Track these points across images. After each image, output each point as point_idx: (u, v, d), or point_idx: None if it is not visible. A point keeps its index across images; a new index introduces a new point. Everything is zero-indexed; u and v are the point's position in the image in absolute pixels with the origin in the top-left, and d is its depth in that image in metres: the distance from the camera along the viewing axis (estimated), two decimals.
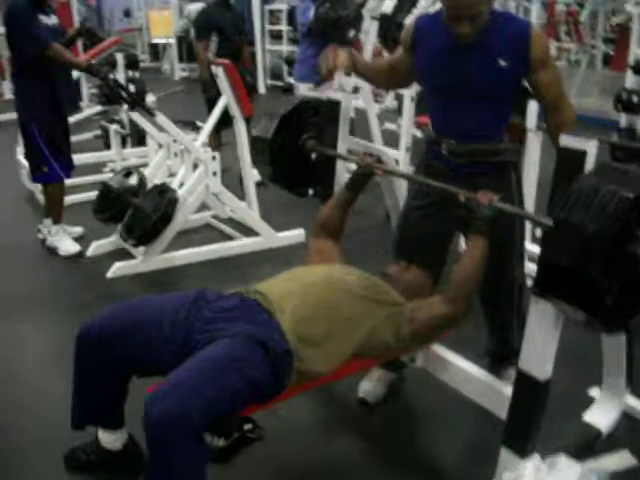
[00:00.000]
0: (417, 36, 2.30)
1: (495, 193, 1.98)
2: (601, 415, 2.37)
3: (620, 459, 2.25)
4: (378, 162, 2.39)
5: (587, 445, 2.28)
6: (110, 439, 2.08)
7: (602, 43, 12.04)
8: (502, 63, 2.12)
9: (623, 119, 6.01)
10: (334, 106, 2.62)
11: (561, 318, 1.83)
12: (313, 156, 2.62)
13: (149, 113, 3.90)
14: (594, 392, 2.56)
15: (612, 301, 1.57)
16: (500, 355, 2.55)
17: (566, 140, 1.78)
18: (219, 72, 4.12)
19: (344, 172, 2.70)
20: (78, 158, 5.48)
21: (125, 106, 4.36)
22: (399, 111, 6.82)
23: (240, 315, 1.88)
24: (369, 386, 2.60)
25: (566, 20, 12.15)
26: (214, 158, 3.94)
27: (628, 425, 2.43)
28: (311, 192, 2.75)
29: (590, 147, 1.73)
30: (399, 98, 6.75)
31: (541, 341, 1.88)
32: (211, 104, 5.28)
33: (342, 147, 2.62)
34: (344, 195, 2.41)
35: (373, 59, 2.51)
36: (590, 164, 1.74)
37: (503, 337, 2.52)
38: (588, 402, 2.48)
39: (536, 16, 7.23)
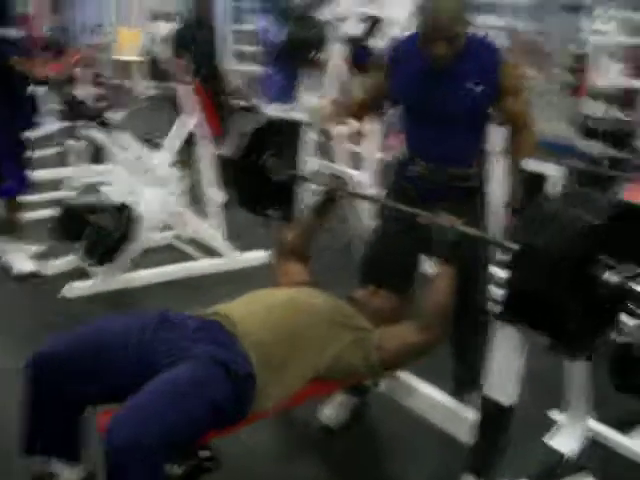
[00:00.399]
0: (394, 59, 2.32)
1: (458, 217, 1.96)
2: (564, 439, 2.36)
3: None
4: (344, 185, 2.37)
5: (550, 470, 2.27)
6: (67, 473, 1.95)
7: (566, 72, 12.28)
8: (474, 89, 2.14)
9: (583, 144, 6.14)
10: (297, 126, 2.59)
11: (526, 343, 1.82)
12: (274, 177, 2.58)
13: (112, 130, 3.83)
14: (554, 415, 2.56)
15: (575, 326, 1.56)
16: (464, 380, 2.53)
17: (530, 165, 1.78)
18: (185, 91, 4.07)
19: (306, 193, 2.67)
20: (38, 174, 5.40)
21: (87, 123, 4.29)
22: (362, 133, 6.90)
23: (203, 337, 1.83)
24: (331, 411, 2.55)
25: (531, 49, 12.37)
26: (181, 178, 3.88)
27: (590, 448, 2.42)
28: (271, 213, 2.70)
29: (550, 171, 1.73)
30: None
31: (506, 366, 1.86)
32: None
33: (303, 168, 2.59)
34: (311, 219, 2.37)
35: (349, 87, 2.54)
36: (552, 187, 1.74)
37: (468, 362, 2.50)
38: (548, 424, 2.47)
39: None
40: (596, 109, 5.98)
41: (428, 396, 2.19)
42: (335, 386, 2.17)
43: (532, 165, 1.78)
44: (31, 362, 1.83)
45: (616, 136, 5.31)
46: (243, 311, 1.94)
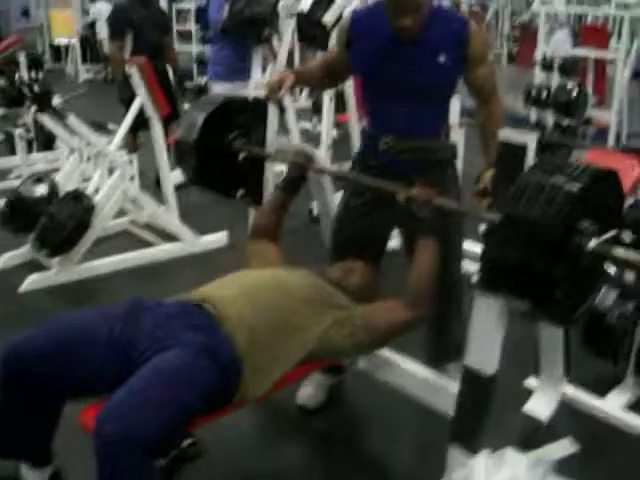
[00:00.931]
0: (354, 31, 2.26)
1: (432, 188, 1.95)
2: (541, 405, 2.39)
3: (563, 447, 2.27)
4: (310, 161, 2.32)
5: (530, 437, 2.30)
6: (36, 475, 1.89)
7: (507, 41, 12.48)
8: (442, 60, 2.13)
9: (533, 114, 6.23)
10: (260, 104, 2.53)
11: (506, 312, 1.83)
12: (241, 156, 2.53)
13: (59, 115, 3.69)
14: (530, 382, 2.60)
15: (561, 294, 1.56)
16: (441, 351, 2.54)
17: (506, 134, 1.76)
18: (133, 71, 3.95)
19: (273, 172, 2.62)
20: None
21: (30, 108, 4.11)
22: (314, 110, 6.85)
23: (184, 323, 1.77)
24: (309, 392, 2.53)
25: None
26: (131, 162, 3.78)
27: (567, 413, 2.47)
28: (239, 194, 2.65)
29: (530, 141, 1.72)
30: (314, 97, 6.77)
31: (487, 336, 1.87)
32: (127, 105, 5.09)
33: (271, 146, 2.53)
34: (278, 198, 2.33)
35: (305, 63, 2.48)
36: (530, 158, 1.73)
37: (443, 334, 2.51)
38: (525, 393, 2.50)
39: None
40: (545, 79, 6.06)
41: (407, 370, 2.20)
42: (318, 365, 2.14)
43: (508, 135, 1.76)
44: (3, 357, 1.74)
45: (566, 105, 5.39)
46: (225, 294, 1.89)
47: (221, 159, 2.50)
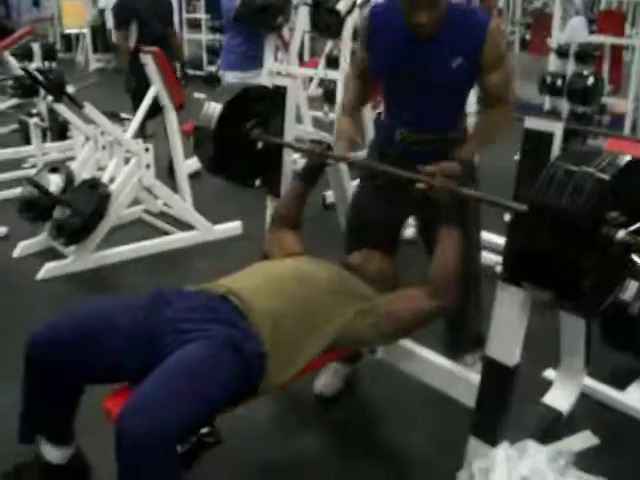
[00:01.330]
0: (372, 27, 2.25)
1: (453, 177, 1.93)
2: (561, 397, 2.38)
3: (583, 439, 2.27)
4: (328, 150, 2.31)
5: (549, 428, 2.29)
6: (56, 454, 1.91)
7: (519, 28, 12.37)
8: (456, 62, 2.10)
9: (547, 102, 6.18)
10: (278, 93, 2.51)
11: (529, 303, 1.82)
12: (259, 145, 2.52)
13: (76, 104, 3.68)
14: (549, 374, 2.59)
15: (588, 284, 1.55)
16: (457, 342, 2.52)
17: (532, 123, 1.74)
18: (148, 60, 3.94)
19: (291, 161, 2.60)
20: None
21: (46, 98, 4.11)
22: (325, 98, 6.82)
23: (209, 315, 1.77)
24: (326, 381, 2.53)
25: (480, 7, 12.42)
26: (147, 150, 3.77)
27: (586, 405, 2.45)
28: (258, 183, 2.64)
29: (557, 129, 1.70)
30: (324, 85, 6.74)
31: (509, 327, 1.86)
32: (132, 95, 5.09)
33: (289, 135, 2.52)
34: (298, 187, 2.32)
35: (349, 92, 2.38)
36: (557, 146, 1.71)
37: (461, 324, 2.49)
38: (544, 384, 2.49)
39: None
40: (560, 66, 6.00)
41: (427, 359, 2.18)
42: (338, 354, 2.13)
43: (534, 123, 1.74)
44: (28, 344, 1.76)
45: (582, 93, 5.33)
46: (249, 285, 1.88)
47: (239, 148, 2.49)
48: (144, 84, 4.45)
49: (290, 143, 2.49)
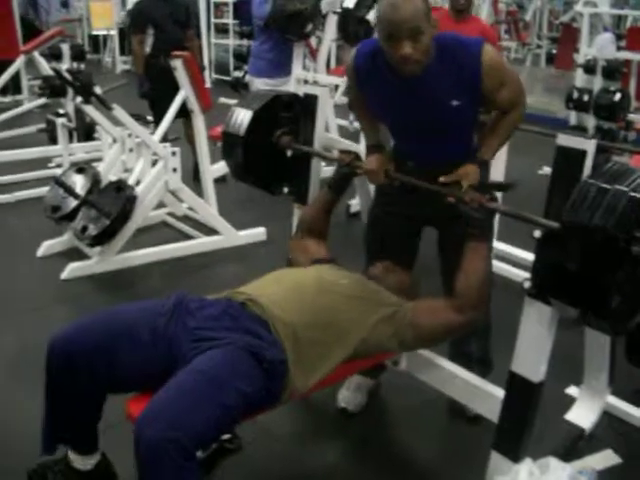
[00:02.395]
0: (360, 78, 2.14)
1: (482, 194, 1.93)
2: (584, 415, 2.36)
3: (605, 458, 2.25)
4: (357, 159, 2.32)
5: (572, 446, 2.27)
6: (82, 461, 1.91)
7: (546, 42, 12.33)
8: (454, 103, 2.00)
9: (573, 117, 6.15)
10: (309, 101, 2.53)
11: (556, 319, 1.81)
12: (288, 153, 2.53)
13: (105, 106, 3.72)
14: (571, 391, 2.57)
15: (617, 302, 1.55)
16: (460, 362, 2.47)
17: (564, 140, 1.73)
18: (177, 64, 3.97)
19: (319, 169, 2.62)
20: (22, 153, 5.31)
21: (75, 98, 4.15)
22: (350, 107, 6.84)
23: (230, 323, 1.77)
24: (349, 395, 2.52)
25: (506, 20, 12.44)
26: (174, 154, 3.80)
27: (609, 424, 2.43)
28: (286, 190, 2.65)
29: (590, 146, 1.69)
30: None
31: (536, 343, 1.86)
32: (147, 99, 5.13)
33: (318, 143, 2.53)
34: (326, 197, 2.33)
35: (366, 121, 2.30)
36: (589, 163, 1.71)
37: (473, 340, 2.47)
38: (566, 401, 2.48)
39: (486, 15, 7.29)
40: (587, 81, 5.97)
41: (452, 373, 2.17)
42: (361, 365, 2.12)
43: (566, 141, 1.73)
44: (49, 349, 1.76)
45: (607, 108, 5.30)
46: (271, 293, 1.88)
47: (267, 156, 2.51)
48: (162, 89, 4.50)
49: (319, 151, 2.50)
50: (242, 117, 2.49)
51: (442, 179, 2.01)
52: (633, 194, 1.50)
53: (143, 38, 5.12)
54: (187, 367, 1.63)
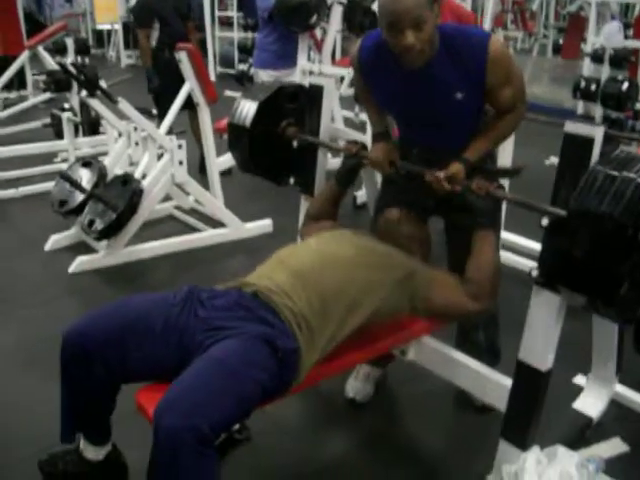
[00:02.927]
0: (365, 71, 2.14)
1: (490, 182, 1.92)
2: (592, 404, 2.36)
3: (613, 446, 2.25)
4: (363, 149, 2.31)
5: (580, 434, 2.27)
6: (93, 451, 1.93)
7: (552, 31, 12.29)
8: (458, 96, 1.98)
9: (580, 107, 6.12)
10: (315, 92, 2.52)
11: (564, 307, 1.81)
12: (294, 144, 2.53)
13: (111, 100, 3.72)
14: (579, 380, 2.57)
15: (627, 290, 1.54)
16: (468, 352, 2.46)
17: (572, 127, 1.73)
18: (182, 57, 3.97)
19: (325, 160, 2.62)
20: (28, 148, 5.32)
21: (80, 92, 4.16)
22: (355, 98, 6.82)
23: (242, 313, 1.77)
24: (358, 385, 2.52)
25: (513, 10, 12.39)
26: (180, 147, 3.80)
27: (617, 412, 2.43)
28: (292, 181, 2.65)
29: (598, 134, 1.69)
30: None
31: (544, 331, 1.85)
32: (154, 94, 5.13)
33: (324, 134, 2.53)
34: (334, 189, 2.33)
35: (373, 111, 2.28)
36: (597, 151, 1.70)
37: (473, 332, 2.46)
38: (574, 390, 2.48)
39: (493, 5, 7.25)
40: (594, 70, 5.95)
41: (460, 362, 2.17)
42: (371, 353, 2.11)
43: (574, 128, 1.73)
44: (63, 341, 1.77)
45: (614, 97, 5.28)
46: (277, 281, 1.87)
47: (273, 147, 2.50)
48: (167, 82, 4.50)
49: (325, 142, 2.50)
50: (248, 109, 2.49)
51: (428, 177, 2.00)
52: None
53: (149, 32, 5.14)
54: (203, 356, 1.64)
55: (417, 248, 2.13)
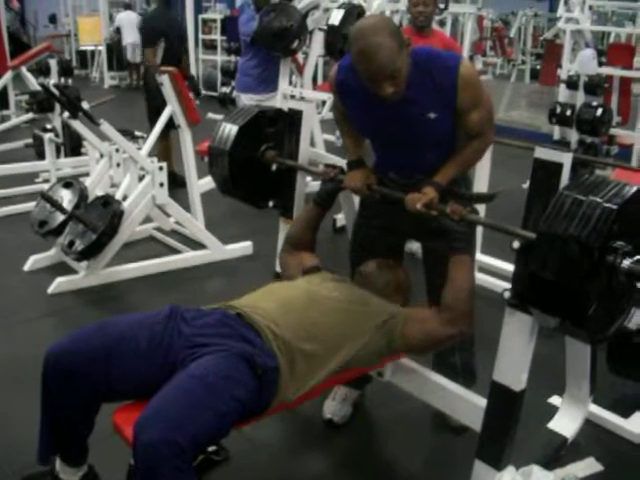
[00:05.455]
0: (341, 91, 2.18)
1: (464, 205, 1.97)
2: (567, 424, 2.40)
3: (587, 466, 2.28)
4: (342, 173, 2.35)
5: (555, 454, 2.30)
6: (70, 473, 1.93)
7: (530, 58, 12.51)
8: (431, 116, 2.02)
9: (557, 132, 6.23)
10: (294, 116, 2.57)
11: (536, 328, 1.85)
12: (273, 167, 2.57)
13: (93, 121, 3.74)
14: (554, 400, 2.60)
15: (595, 311, 1.58)
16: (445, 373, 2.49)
17: (541, 153, 1.78)
18: (164, 80, 4.01)
19: (304, 183, 2.65)
20: (9, 168, 5.31)
21: (62, 113, 4.18)
22: (336, 121, 6.89)
23: (224, 331, 1.80)
24: (335, 406, 2.53)
25: (492, 36, 12.62)
26: (161, 169, 3.82)
27: (591, 432, 2.47)
28: (271, 204, 2.68)
29: (566, 159, 1.74)
30: None
31: (517, 352, 1.89)
32: (154, 112, 5.14)
33: (303, 158, 2.57)
34: (312, 212, 2.35)
35: (348, 136, 2.34)
36: (566, 176, 1.75)
37: (449, 354, 2.49)
38: (549, 410, 2.51)
39: (470, 32, 7.40)
40: (569, 96, 6.07)
41: (436, 383, 2.21)
42: (349, 375, 2.14)
43: (543, 153, 1.78)
44: (45, 360, 1.78)
45: (589, 123, 5.39)
46: (263, 309, 1.90)
47: (253, 170, 2.53)
48: (160, 101, 4.52)
49: (304, 166, 2.53)
50: (228, 132, 2.52)
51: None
52: (607, 205, 1.54)
53: (156, 51, 5.20)
54: (183, 371, 1.66)
55: (395, 292, 2.17)
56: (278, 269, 2.47)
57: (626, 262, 1.56)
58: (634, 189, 1.60)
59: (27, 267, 3.90)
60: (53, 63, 6.35)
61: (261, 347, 1.77)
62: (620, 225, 1.56)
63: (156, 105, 4.99)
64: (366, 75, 1.91)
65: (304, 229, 2.35)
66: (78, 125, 3.93)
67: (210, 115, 6.95)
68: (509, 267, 3.42)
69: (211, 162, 2.62)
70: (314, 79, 6.77)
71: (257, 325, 1.83)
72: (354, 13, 4.42)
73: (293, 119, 2.54)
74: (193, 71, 10.44)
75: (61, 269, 3.85)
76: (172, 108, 4.14)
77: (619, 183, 1.63)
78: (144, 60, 5.57)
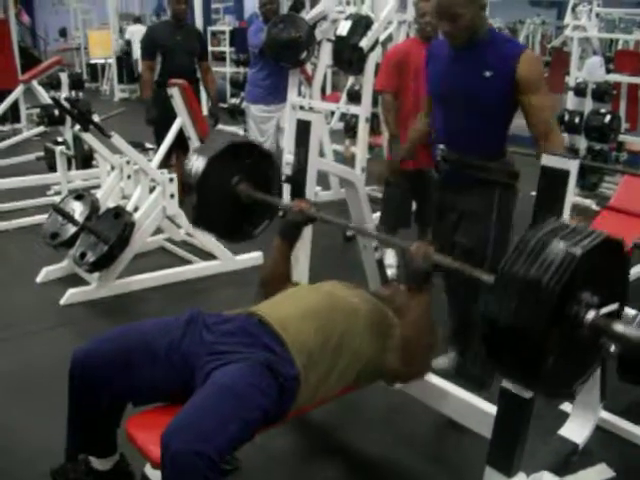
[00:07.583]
0: (429, 54, 2.58)
1: (431, 243, 1.89)
2: (576, 430, 2.39)
3: (598, 472, 2.28)
4: (310, 209, 2.23)
5: (566, 461, 2.30)
6: (101, 463, 1.97)
7: None
8: (487, 74, 2.25)
9: (565, 139, 6.23)
10: (303, 127, 2.57)
11: None
12: (244, 200, 2.36)
13: (104, 134, 3.78)
14: (565, 407, 2.60)
15: (552, 365, 1.44)
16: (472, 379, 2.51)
17: (548, 160, 1.80)
18: (174, 92, 4.05)
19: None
20: (21, 180, 5.37)
21: (74, 126, 4.23)
22: (346, 132, 6.91)
23: (246, 339, 1.82)
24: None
25: None
26: (171, 180, 3.85)
27: (602, 438, 2.47)
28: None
29: (573, 166, 1.75)
30: (345, 119, 6.85)
31: None
32: (153, 125, 5.14)
33: (312, 168, 2.58)
34: (281, 246, 2.26)
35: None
36: (572, 184, 1.76)
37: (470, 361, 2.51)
38: (560, 417, 2.51)
39: None
40: (577, 104, 6.07)
41: (445, 390, 2.21)
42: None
43: (553, 161, 1.79)
44: (72, 364, 1.83)
45: (597, 130, 5.39)
46: (284, 313, 1.92)
47: (223, 202, 2.36)
48: (165, 115, 4.54)
49: (271, 200, 2.39)
50: (197, 165, 2.29)
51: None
52: (572, 250, 1.38)
53: (153, 65, 5.11)
54: (209, 381, 1.69)
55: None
56: None
57: (590, 314, 1.42)
58: (604, 236, 1.45)
59: (39, 279, 3.93)
60: (64, 76, 6.41)
61: (282, 355, 1.79)
62: (587, 274, 1.41)
63: (149, 119, 4.99)
64: (434, 10, 2.32)
65: (275, 266, 2.27)
66: (89, 138, 3.97)
67: (219, 126, 6.99)
68: None
69: (180, 195, 2.47)
70: (323, 90, 6.81)
71: (278, 332, 1.84)
72: (362, 24, 4.44)
73: (302, 130, 2.56)
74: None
75: (73, 280, 3.88)
76: (182, 121, 4.17)
77: (589, 229, 1.48)
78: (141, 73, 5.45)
